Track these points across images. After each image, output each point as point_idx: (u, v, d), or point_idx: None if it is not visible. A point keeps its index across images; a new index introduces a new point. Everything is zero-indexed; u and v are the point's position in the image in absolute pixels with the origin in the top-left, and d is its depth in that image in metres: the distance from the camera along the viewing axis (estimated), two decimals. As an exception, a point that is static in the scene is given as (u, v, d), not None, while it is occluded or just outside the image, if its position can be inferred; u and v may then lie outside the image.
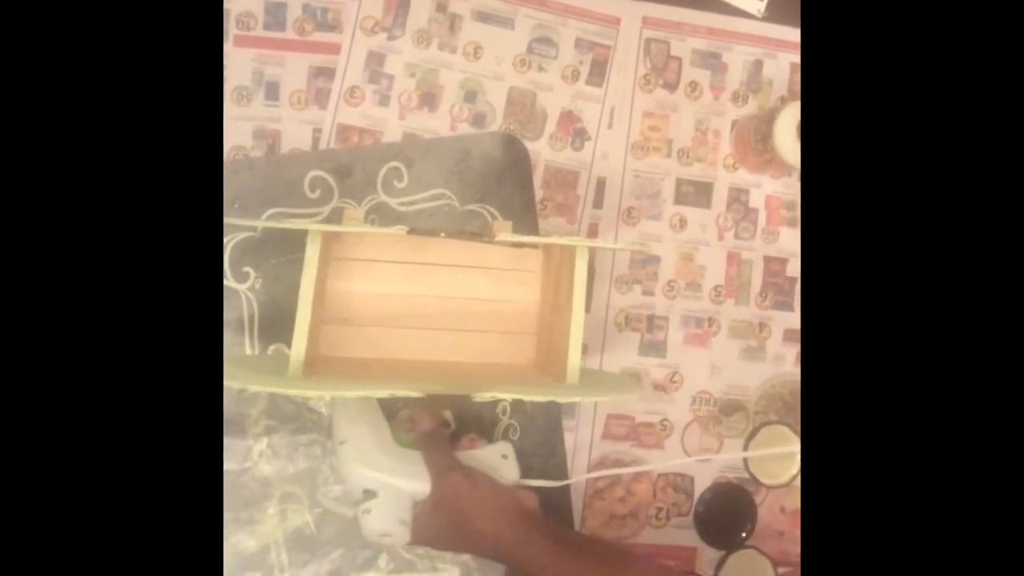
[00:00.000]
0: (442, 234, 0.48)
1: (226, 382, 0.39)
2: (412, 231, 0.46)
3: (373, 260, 0.53)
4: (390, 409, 0.49)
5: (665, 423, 0.57)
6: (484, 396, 0.43)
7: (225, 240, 0.53)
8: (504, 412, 0.54)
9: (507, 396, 0.44)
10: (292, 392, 0.49)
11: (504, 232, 0.50)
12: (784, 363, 0.59)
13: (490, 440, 0.51)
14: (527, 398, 0.51)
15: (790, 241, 0.60)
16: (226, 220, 0.50)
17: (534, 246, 0.54)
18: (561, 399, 0.46)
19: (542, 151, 0.58)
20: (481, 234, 0.49)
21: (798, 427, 0.58)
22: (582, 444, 0.56)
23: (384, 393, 0.42)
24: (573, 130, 0.58)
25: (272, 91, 0.56)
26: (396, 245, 0.53)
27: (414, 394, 0.42)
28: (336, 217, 0.54)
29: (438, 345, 0.54)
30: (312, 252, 0.46)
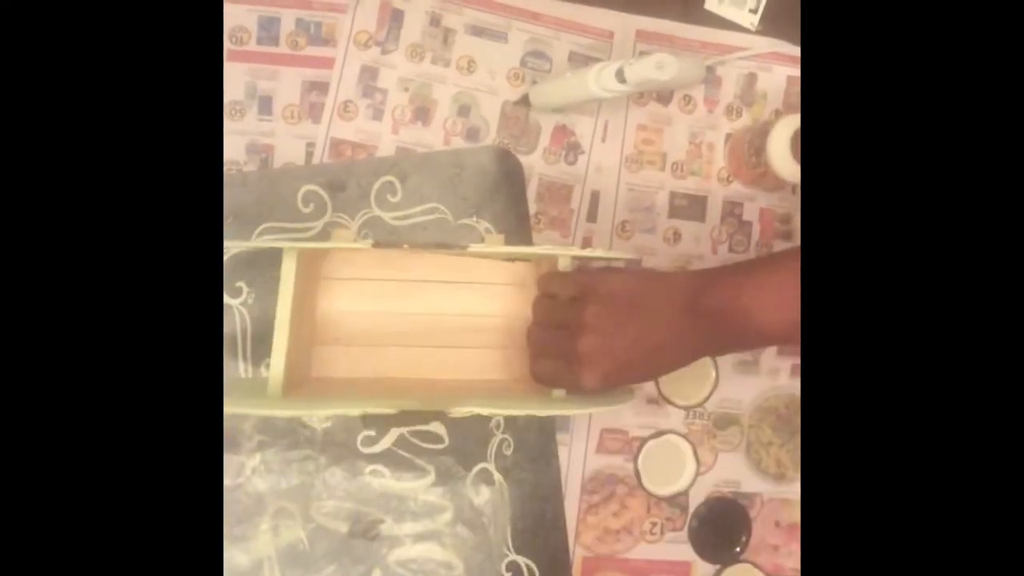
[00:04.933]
0: (405, 246, 0.48)
1: None
2: (377, 244, 0.47)
3: (364, 279, 0.53)
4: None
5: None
6: (460, 412, 0.43)
7: (218, 255, 0.53)
8: (498, 427, 0.54)
9: (484, 411, 0.44)
10: (266, 413, 0.48)
11: (495, 244, 0.50)
12: (778, 377, 0.58)
13: (485, 459, 0.51)
14: (504, 414, 0.51)
15: (784, 254, 0.59)
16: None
17: (525, 259, 0.54)
18: (540, 413, 0.46)
19: (536, 165, 0.58)
20: (451, 245, 0.49)
21: (797, 439, 0.58)
22: (576, 458, 0.56)
23: (356, 412, 0.42)
24: (567, 144, 0.58)
25: (265, 105, 0.56)
26: (387, 263, 0.53)
27: (388, 411, 0.42)
28: (329, 232, 0.54)
29: (433, 363, 0.54)
30: (288, 269, 0.46)
